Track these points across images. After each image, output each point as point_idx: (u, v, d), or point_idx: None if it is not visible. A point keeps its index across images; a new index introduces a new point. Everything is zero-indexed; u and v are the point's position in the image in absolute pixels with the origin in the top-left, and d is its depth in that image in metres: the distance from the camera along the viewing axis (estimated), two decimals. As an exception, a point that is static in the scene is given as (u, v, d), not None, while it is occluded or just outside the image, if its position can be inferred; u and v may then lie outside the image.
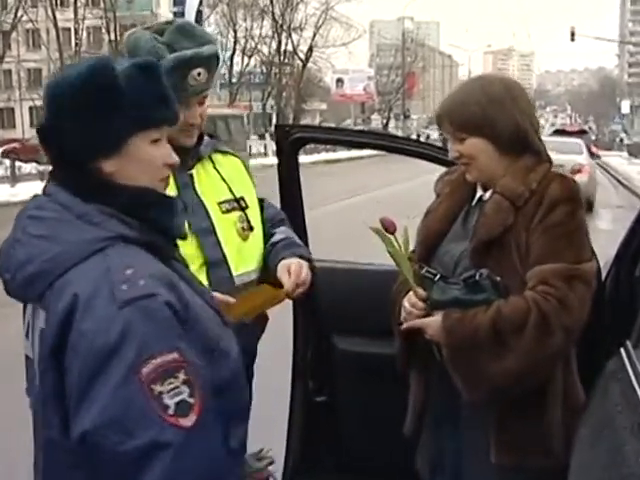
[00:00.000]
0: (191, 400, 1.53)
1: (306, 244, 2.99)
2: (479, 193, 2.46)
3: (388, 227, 2.35)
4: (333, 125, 45.18)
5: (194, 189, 2.52)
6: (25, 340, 1.72)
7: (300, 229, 3.08)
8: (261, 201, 2.74)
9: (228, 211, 2.55)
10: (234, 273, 2.49)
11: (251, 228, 2.58)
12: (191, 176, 2.54)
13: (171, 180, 2.44)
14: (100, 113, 1.63)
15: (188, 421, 1.52)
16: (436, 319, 2.33)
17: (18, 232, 1.67)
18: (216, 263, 2.47)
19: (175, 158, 1.79)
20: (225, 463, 1.64)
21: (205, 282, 2.42)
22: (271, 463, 2.09)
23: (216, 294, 2.27)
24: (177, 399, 1.51)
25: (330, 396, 3.29)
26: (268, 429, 3.35)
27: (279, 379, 3.54)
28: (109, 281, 1.55)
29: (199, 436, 1.53)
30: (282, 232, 2.69)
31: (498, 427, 2.33)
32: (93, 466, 1.53)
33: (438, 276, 2.37)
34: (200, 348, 1.63)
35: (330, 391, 3.29)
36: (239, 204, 2.59)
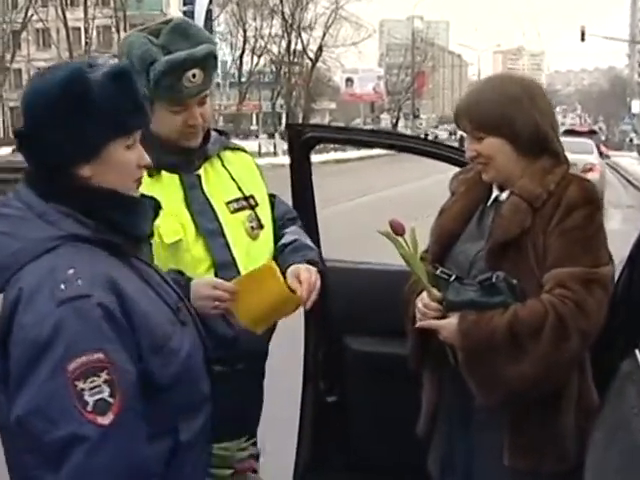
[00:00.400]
0: (110, 400, 1.61)
1: (318, 244, 2.98)
2: (495, 193, 2.44)
3: (397, 229, 2.33)
4: (342, 124, 45.14)
5: (202, 189, 2.50)
6: None
7: (312, 229, 3.07)
8: (272, 197, 2.71)
9: (236, 210, 2.53)
10: (243, 274, 2.46)
11: (261, 226, 2.55)
12: (199, 177, 2.52)
13: (178, 182, 2.46)
14: (75, 123, 1.70)
15: (106, 419, 1.60)
16: (451, 321, 2.30)
17: None
18: (224, 265, 2.45)
19: (147, 160, 1.85)
20: (148, 461, 1.69)
21: None
22: (255, 456, 2.08)
23: (220, 282, 2.28)
24: (96, 397, 1.60)
25: (341, 396, 3.28)
26: (279, 428, 3.35)
27: (290, 379, 3.53)
28: (52, 279, 1.64)
29: (117, 434, 1.60)
30: (292, 233, 2.65)
31: (513, 430, 2.32)
32: (31, 452, 1.64)
33: (453, 277, 2.35)
34: (147, 345, 1.71)
35: (341, 391, 3.28)
36: (248, 202, 2.56)
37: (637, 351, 2.29)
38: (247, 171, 2.66)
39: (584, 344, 2.25)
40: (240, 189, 2.56)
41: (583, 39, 48.95)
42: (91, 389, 1.59)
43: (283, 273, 2.37)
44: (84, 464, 1.57)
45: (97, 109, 1.70)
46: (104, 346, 1.62)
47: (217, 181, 2.55)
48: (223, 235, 2.47)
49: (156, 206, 1.88)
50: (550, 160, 2.37)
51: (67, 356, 1.59)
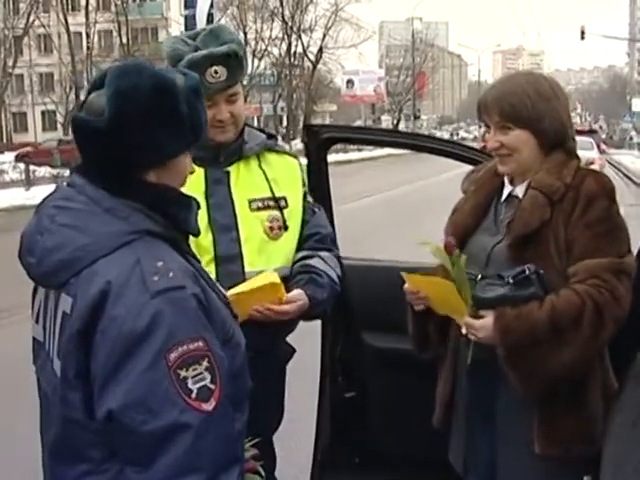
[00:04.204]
0: (212, 386, 1.63)
1: (335, 242, 3.03)
2: (508, 188, 2.50)
3: (449, 249, 2.41)
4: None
5: (228, 186, 2.57)
6: (35, 325, 1.82)
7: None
8: (314, 206, 2.77)
9: (259, 209, 2.59)
10: (247, 269, 2.53)
11: (285, 228, 2.61)
12: (227, 173, 2.59)
13: (202, 175, 2.52)
14: (160, 132, 1.71)
15: (209, 405, 1.62)
16: (487, 321, 2.33)
17: (45, 220, 1.74)
18: (227, 258, 2.51)
19: (192, 167, 1.90)
20: (238, 445, 1.75)
21: (212, 275, 2.45)
22: (256, 458, 2.12)
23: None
24: (200, 384, 1.62)
25: (359, 392, 3.30)
26: (297, 425, 3.39)
27: (308, 375, 3.55)
28: (141, 271, 1.64)
29: (217, 420, 1.63)
30: (324, 262, 2.68)
31: (542, 419, 2.37)
32: (116, 444, 1.63)
33: (480, 276, 2.41)
34: (220, 338, 1.73)
35: (359, 387, 3.30)
36: (277, 203, 2.62)
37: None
38: (287, 174, 2.72)
39: (616, 330, 2.32)
40: (271, 190, 2.63)
41: (583, 38, 48.88)
42: (194, 377, 1.61)
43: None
44: (190, 451, 1.58)
45: (183, 123, 1.74)
46: (203, 334, 1.65)
47: (248, 179, 2.62)
48: (236, 229, 2.53)
49: (197, 205, 1.90)
50: (564, 155, 2.44)
51: (167, 346, 1.60)
